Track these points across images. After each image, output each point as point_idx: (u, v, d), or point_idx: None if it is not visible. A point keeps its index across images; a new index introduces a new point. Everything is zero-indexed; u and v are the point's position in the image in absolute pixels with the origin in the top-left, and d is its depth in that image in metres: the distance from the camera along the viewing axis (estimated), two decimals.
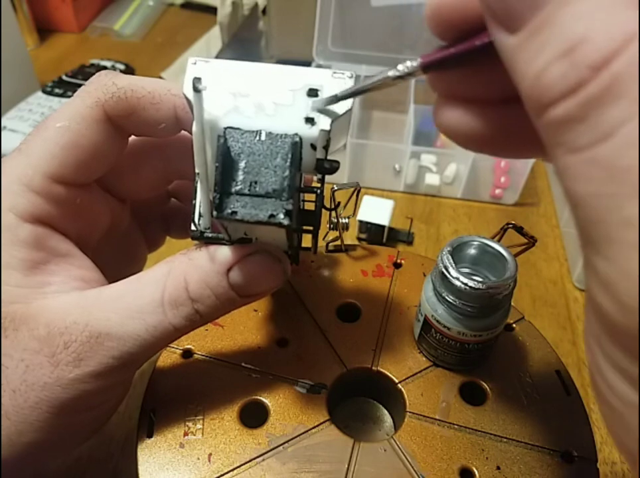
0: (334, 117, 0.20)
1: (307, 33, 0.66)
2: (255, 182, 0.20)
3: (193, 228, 0.22)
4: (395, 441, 0.26)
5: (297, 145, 0.20)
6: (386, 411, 0.31)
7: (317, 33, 0.65)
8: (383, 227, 0.49)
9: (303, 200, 0.25)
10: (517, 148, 0.18)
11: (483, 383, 0.29)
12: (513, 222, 0.30)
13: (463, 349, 0.27)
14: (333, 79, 0.21)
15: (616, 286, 0.12)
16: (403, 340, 0.30)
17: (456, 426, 0.27)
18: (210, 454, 0.25)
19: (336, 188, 0.30)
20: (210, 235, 0.22)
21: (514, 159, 0.58)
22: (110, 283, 0.24)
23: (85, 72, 0.65)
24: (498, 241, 0.28)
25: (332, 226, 0.33)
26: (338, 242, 0.35)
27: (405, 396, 0.28)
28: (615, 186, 0.12)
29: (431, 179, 0.58)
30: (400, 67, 0.17)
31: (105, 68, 0.70)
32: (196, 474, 0.24)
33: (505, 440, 0.26)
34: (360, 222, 0.49)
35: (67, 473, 0.34)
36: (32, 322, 0.21)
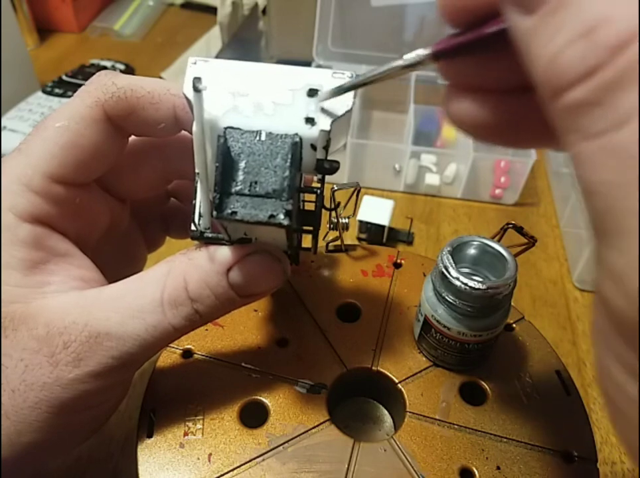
0: (335, 118, 0.20)
1: (307, 33, 0.66)
2: (255, 183, 0.20)
3: (193, 228, 0.22)
4: (395, 441, 0.26)
5: (297, 145, 0.20)
6: (386, 411, 0.31)
7: (317, 33, 0.65)
8: (383, 227, 0.49)
9: (303, 201, 0.25)
10: (528, 138, 0.18)
11: (483, 383, 0.29)
12: (513, 222, 0.30)
13: (463, 349, 0.27)
14: (333, 79, 0.21)
15: (626, 278, 0.12)
16: (403, 340, 0.30)
17: (456, 426, 0.27)
18: (210, 454, 0.25)
19: (336, 188, 0.30)
20: (209, 235, 0.22)
21: (515, 160, 0.58)
22: (110, 283, 0.24)
23: (85, 72, 0.65)
24: (498, 241, 0.28)
25: (332, 226, 0.33)
26: (338, 242, 0.35)
27: (405, 396, 0.28)
28: (629, 174, 0.11)
29: (431, 179, 0.58)
30: (410, 56, 0.17)
31: (105, 68, 0.70)
32: (196, 474, 0.24)
33: (505, 440, 0.26)
34: (360, 222, 0.49)
35: (67, 472, 0.34)
36: (31, 322, 0.21)
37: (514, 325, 0.31)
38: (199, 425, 0.26)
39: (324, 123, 0.20)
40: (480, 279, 0.25)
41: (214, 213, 0.19)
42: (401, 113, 0.65)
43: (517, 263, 0.26)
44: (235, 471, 0.25)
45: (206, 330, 0.30)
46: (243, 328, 0.30)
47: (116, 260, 0.30)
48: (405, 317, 0.31)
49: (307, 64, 0.66)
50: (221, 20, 0.75)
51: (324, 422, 0.27)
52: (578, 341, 0.45)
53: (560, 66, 0.12)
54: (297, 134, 0.20)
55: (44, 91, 0.62)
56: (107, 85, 0.23)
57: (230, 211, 0.19)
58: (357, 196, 0.32)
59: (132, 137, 0.26)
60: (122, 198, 0.28)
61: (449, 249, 0.26)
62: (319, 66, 0.66)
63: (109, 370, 0.22)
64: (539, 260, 0.52)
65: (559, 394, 0.28)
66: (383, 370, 0.29)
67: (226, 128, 0.20)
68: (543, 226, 0.56)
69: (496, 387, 0.28)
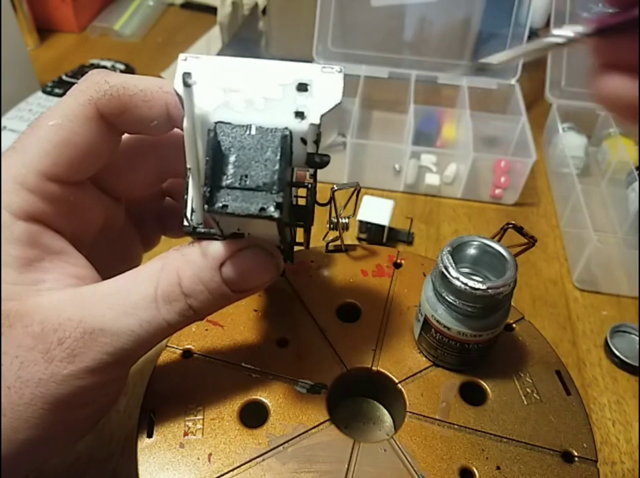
0: (324, 111, 0.20)
1: (307, 33, 0.66)
2: (246, 176, 0.20)
3: (185, 223, 0.22)
4: (395, 441, 0.26)
5: (287, 139, 0.20)
6: (386, 411, 0.31)
7: (317, 33, 0.65)
8: (383, 227, 0.49)
9: (296, 196, 0.25)
10: None
11: (483, 383, 0.29)
12: (513, 222, 0.30)
13: (463, 349, 0.27)
14: (323, 74, 0.21)
15: None
16: (403, 340, 0.30)
17: (456, 426, 0.27)
18: (210, 454, 0.25)
19: (336, 188, 0.30)
20: (202, 230, 0.22)
21: (515, 160, 0.58)
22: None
23: (85, 72, 0.65)
24: (498, 241, 0.28)
25: (332, 226, 0.33)
26: (338, 242, 0.35)
27: (405, 396, 0.28)
28: None
29: (431, 179, 0.58)
30: (565, 32, 0.17)
31: (105, 68, 0.70)
32: (196, 474, 0.24)
33: (505, 440, 0.26)
34: (360, 222, 0.49)
35: (67, 472, 0.34)
36: (26, 319, 0.22)
37: (514, 325, 0.31)
38: (199, 425, 0.26)
39: (313, 116, 0.20)
40: (480, 279, 0.25)
41: (205, 206, 0.19)
42: (401, 113, 0.65)
43: (517, 263, 0.26)
44: (235, 471, 0.25)
45: (206, 330, 0.30)
46: (243, 328, 0.30)
47: (111, 259, 0.30)
48: (405, 317, 0.31)
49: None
50: (221, 20, 0.75)
51: (324, 422, 0.27)
52: (578, 341, 0.45)
53: None
54: (286, 128, 0.20)
55: (44, 91, 0.62)
56: (99, 84, 0.23)
57: (221, 204, 0.19)
58: (357, 196, 0.32)
59: (126, 136, 0.26)
60: (117, 196, 0.28)
61: (449, 249, 0.26)
62: None
63: (104, 365, 0.22)
64: (539, 260, 0.52)
65: (559, 394, 0.28)
66: (383, 370, 0.29)
67: (216, 122, 0.20)
68: (543, 226, 0.56)
69: (496, 387, 0.28)
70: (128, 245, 0.31)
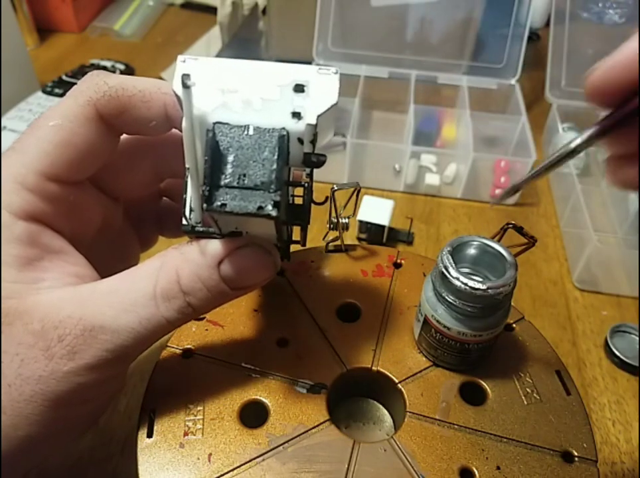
0: (320, 112, 0.21)
1: (307, 33, 0.66)
2: (244, 175, 0.20)
3: (184, 222, 0.23)
4: (395, 441, 0.26)
5: (284, 139, 0.20)
6: (386, 411, 0.31)
7: (317, 33, 0.65)
8: (383, 227, 0.49)
9: (293, 195, 0.25)
10: None
11: (483, 383, 0.29)
12: (513, 222, 0.30)
13: (463, 349, 0.27)
14: (319, 75, 0.21)
15: None
16: (403, 340, 0.30)
17: (456, 426, 0.27)
18: (210, 454, 0.25)
19: (336, 188, 0.30)
20: (201, 229, 0.23)
21: (515, 160, 0.58)
22: None
23: (85, 72, 0.65)
24: (498, 241, 0.28)
25: (332, 226, 0.33)
26: (338, 242, 0.35)
27: (405, 396, 0.28)
28: None
29: (431, 179, 0.58)
30: (577, 141, 0.20)
31: (105, 68, 0.70)
32: (196, 474, 0.24)
33: (505, 440, 0.26)
34: (360, 222, 0.49)
35: (68, 473, 0.34)
36: (26, 317, 0.22)
37: (514, 325, 0.31)
38: (199, 425, 0.26)
39: (310, 117, 0.20)
40: (480, 279, 0.25)
41: (204, 205, 0.20)
42: (401, 113, 0.65)
43: (517, 263, 0.26)
44: (235, 471, 0.25)
45: (206, 330, 0.30)
46: (243, 328, 0.30)
47: (110, 258, 0.30)
48: (405, 317, 0.31)
49: (307, 64, 0.66)
50: (221, 20, 0.75)
51: (324, 422, 0.27)
52: (578, 341, 0.45)
53: None
54: (284, 128, 0.20)
55: (44, 91, 0.62)
56: (99, 85, 0.24)
57: (219, 203, 0.20)
58: (357, 196, 0.32)
59: (124, 136, 0.26)
60: (115, 196, 0.28)
61: (449, 249, 0.26)
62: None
63: (103, 362, 0.22)
64: (539, 260, 0.52)
65: (559, 394, 0.28)
66: (383, 370, 0.29)
67: (214, 123, 0.20)
68: (543, 226, 0.56)
69: (496, 387, 0.28)
70: (126, 244, 0.32)
